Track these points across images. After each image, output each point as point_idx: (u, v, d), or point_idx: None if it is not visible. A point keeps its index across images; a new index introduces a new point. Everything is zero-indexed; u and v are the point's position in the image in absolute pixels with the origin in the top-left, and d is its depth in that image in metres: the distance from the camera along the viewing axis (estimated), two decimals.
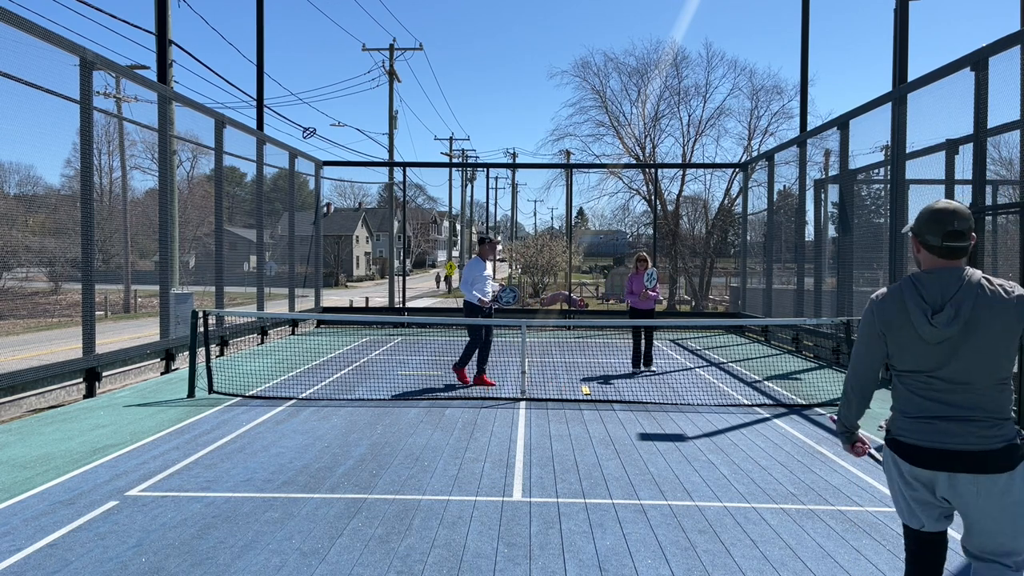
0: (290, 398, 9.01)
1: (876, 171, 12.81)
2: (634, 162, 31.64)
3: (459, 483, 5.66)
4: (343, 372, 11.17)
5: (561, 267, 35.95)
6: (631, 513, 5.03)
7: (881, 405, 8.95)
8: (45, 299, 25.71)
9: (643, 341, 11.31)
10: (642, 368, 11.30)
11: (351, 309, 23.18)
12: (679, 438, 7.18)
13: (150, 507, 5.06)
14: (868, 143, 12.34)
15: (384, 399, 8.99)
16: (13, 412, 8.19)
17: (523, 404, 8.75)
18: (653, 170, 28.75)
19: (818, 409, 8.66)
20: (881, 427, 3.14)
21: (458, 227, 72.32)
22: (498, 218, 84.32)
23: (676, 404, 8.86)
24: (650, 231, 28.73)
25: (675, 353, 13.98)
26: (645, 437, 7.20)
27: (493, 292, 10.37)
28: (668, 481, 5.77)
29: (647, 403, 8.91)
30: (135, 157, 28.28)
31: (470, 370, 10.24)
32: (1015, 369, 7.41)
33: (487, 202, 39.51)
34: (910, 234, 2.84)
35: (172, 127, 13.04)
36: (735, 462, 6.34)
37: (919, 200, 10.91)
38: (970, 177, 8.87)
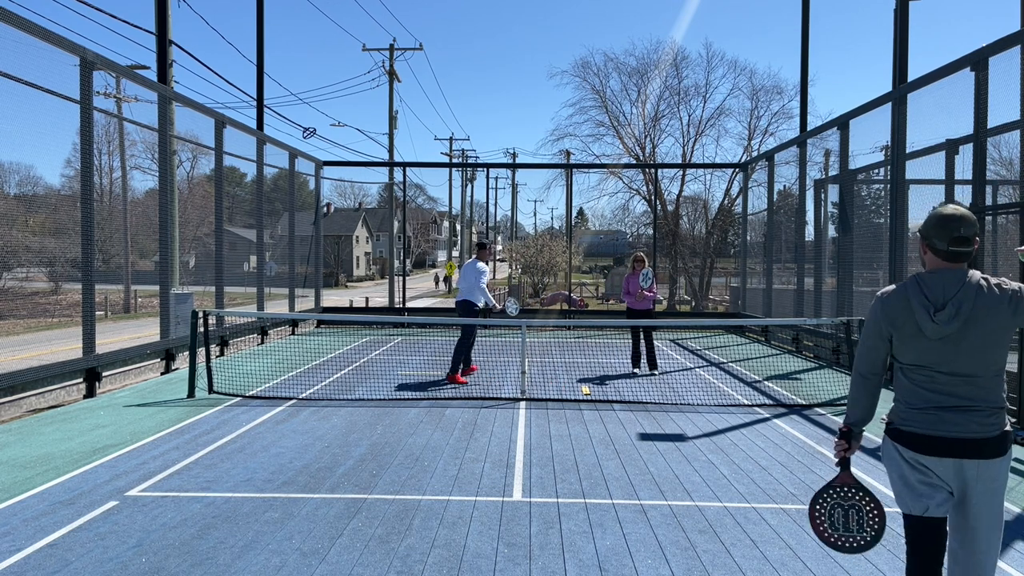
0: (290, 398, 9.01)
1: (876, 171, 12.81)
2: (634, 162, 31.65)
3: (459, 483, 5.66)
4: (343, 372, 11.17)
5: (561, 267, 35.98)
6: (631, 513, 5.03)
7: (881, 405, 8.97)
8: (45, 299, 25.71)
9: (642, 342, 11.30)
10: (646, 371, 11.27)
11: (351, 309, 23.18)
12: (679, 438, 7.18)
13: (150, 507, 5.06)
14: (868, 143, 12.35)
15: (384, 399, 8.99)
16: (13, 412, 8.19)
17: (523, 404, 8.75)
18: (653, 170, 28.76)
19: (818, 409, 8.66)
20: (883, 420, 3.18)
21: (458, 227, 72.31)
22: (498, 218, 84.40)
23: (676, 404, 8.86)
24: (650, 231, 28.74)
25: (675, 353, 13.98)
26: (645, 437, 7.20)
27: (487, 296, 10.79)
28: (668, 481, 5.77)
29: (647, 403, 8.91)
30: (135, 157, 28.31)
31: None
32: (1015, 368, 7.45)
33: (487, 202, 39.54)
34: (918, 235, 2.98)
35: (172, 127, 13.04)
36: (735, 462, 6.34)
37: (919, 200, 10.92)
38: (970, 177, 8.87)
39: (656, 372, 11.23)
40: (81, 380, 9.26)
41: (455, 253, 79.54)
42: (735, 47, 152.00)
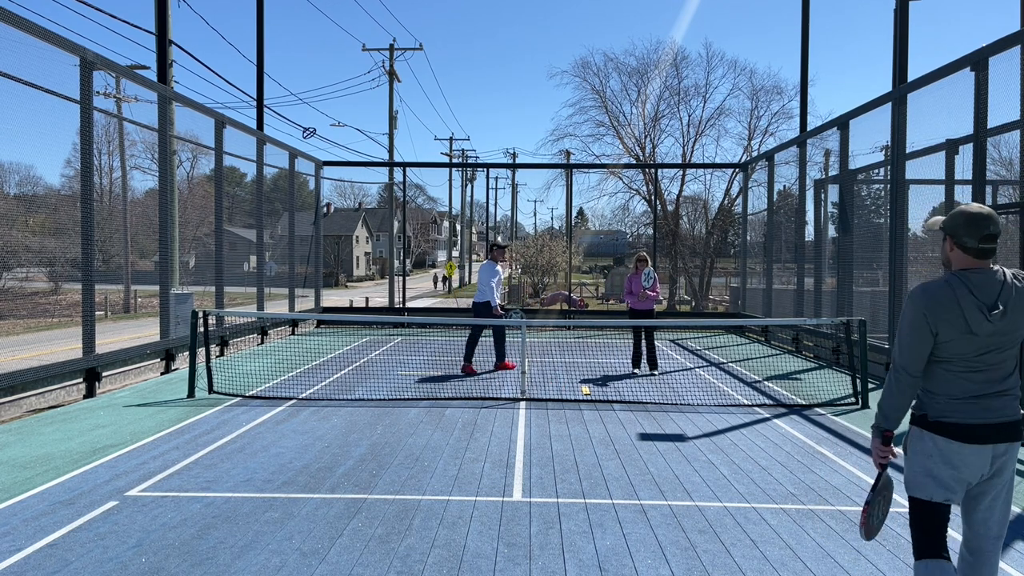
0: (290, 398, 9.01)
1: (876, 171, 12.80)
2: (634, 162, 31.64)
3: (459, 483, 5.66)
4: (343, 372, 11.17)
5: (561, 267, 35.96)
6: (631, 513, 5.03)
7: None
8: (45, 299, 25.72)
9: (643, 342, 11.30)
10: (646, 371, 11.27)
11: (351, 309, 23.17)
12: (679, 438, 7.18)
13: (150, 507, 5.06)
14: (868, 143, 12.35)
15: (384, 399, 8.99)
16: (13, 412, 8.19)
17: (523, 404, 8.75)
18: (653, 170, 28.75)
19: (818, 409, 8.66)
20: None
21: (458, 227, 72.31)
22: (498, 218, 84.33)
23: (676, 404, 8.86)
24: (650, 231, 28.73)
25: (675, 353, 13.98)
26: (645, 437, 7.20)
27: (499, 295, 11.48)
28: (668, 481, 5.77)
29: (647, 403, 8.91)
30: (135, 157, 28.32)
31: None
32: None
33: (487, 202, 39.54)
34: (943, 233, 3.05)
35: (172, 127, 13.04)
36: (735, 462, 6.34)
37: (919, 200, 10.92)
38: (970, 177, 8.87)
39: (656, 372, 11.23)
40: (81, 380, 9.26)
41: (455, 253, 79.53)
42: (735, 47, 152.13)
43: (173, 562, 4.17)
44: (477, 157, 65.86)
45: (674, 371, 11.66)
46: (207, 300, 13.82)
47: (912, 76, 10.54)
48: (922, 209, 11.04)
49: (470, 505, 5.17)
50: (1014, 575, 4.10)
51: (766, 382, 10.64)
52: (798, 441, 7.13)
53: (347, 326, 18.41)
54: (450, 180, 67.52)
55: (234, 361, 12.21)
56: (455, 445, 6.81)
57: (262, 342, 14.85)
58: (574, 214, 33.03)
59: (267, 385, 9.93)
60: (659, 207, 28.99)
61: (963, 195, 9.50)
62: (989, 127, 8.65)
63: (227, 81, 42.52)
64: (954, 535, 3.48)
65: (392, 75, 35.78)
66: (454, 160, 62.22)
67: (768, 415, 8.32)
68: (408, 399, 9.01)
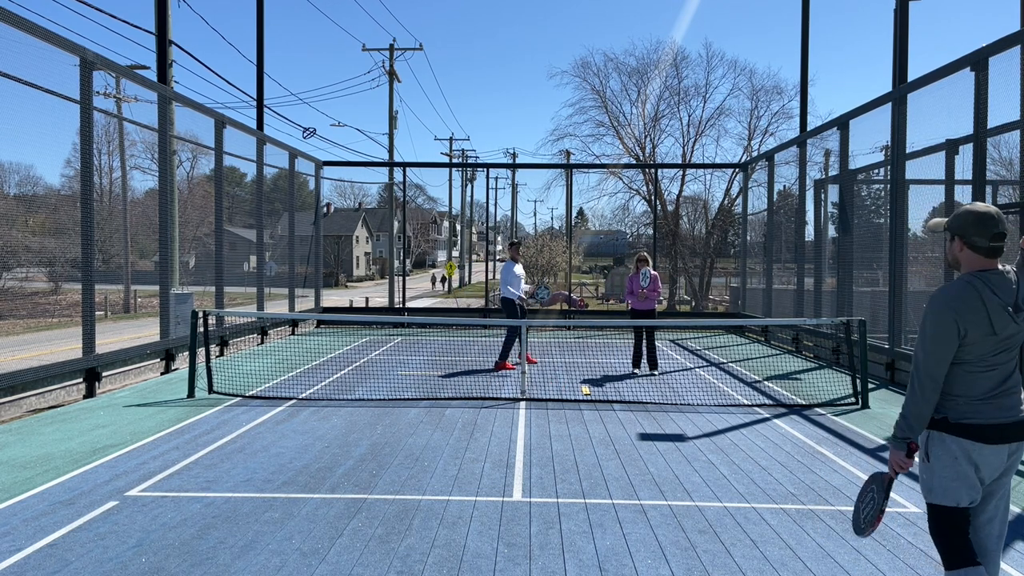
0: (290, 398, 9.01)
1: (876, 171, 12.81)
2: (634, 162, 31.65)
3: (459, 483, 5.66)
4: (343, 372, 11.17)
5: (561, 267, 35.95)
6: (631, 513, 5.03)
7: (881, 405, 8.98)
8: (45, 299, 25.72)
9: (643, 342, 11.30)
10: (646, 371, 11.27)
11: (351, 309, 23.18)
12: (679, 438, 7.18)
13: (150, 507, 5.06)
14: (868, 143, 12.35)
15: (384, 399, 8.99)
16: (13, 412, 8.19)
17: (523, 404, 8.75)
18: (653, 170, 28.76)
19: (818, 409, 8.66)
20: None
21: (458, 227, 72.29)
22: (498, 218, 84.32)
23: (676, 404, 8.86)
24: (650, 231, 28.74)
25: (675, 353, 13.98)
26: (645, 437, 7.20)
27: (527, 291, 12.18)
28: (668, 481, 5.77)
29: (647, 403, 8.91)
30: (135, 157, 28.29)
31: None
32: None
33: (487, 202, 39.49)
34: (949, 234, 3.02)
35: (172, 127, 13.03)
36: (735, 462, 6.34)
37: (919, 200, 10.92)
38: (970, 177, 8.87)
39: (656, 372, 11.23)
40: (81, 380, 9.26)
41: (455, 253, 79.50)
42: (735, 47, 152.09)
43: (173, 562, 4.17)
44: (477, 157, 65.86)
45: (674, 371, 11.65)
46: (207, 300, 13.82)
47: (912, 76, 10.54)
48: (922, 209, 11.05)
49: (470, 505, 5.17)
50: (1014, 575, 4.10)
51: (766, 382, 10.64)
52: (798, 441, 7.12)
53: (347, 326, 18.41)
54: (450, 180, 67.50)
55: (234, 361, 12.21)
56: (455, 445, 6.81)
57: (262, 342, 14.85)
58: (574, 214, 33.03)
59: (267, 385, 9.93)
60: (659, 207, 28.99)
61: (963, 195, 9.50)
62: (989, 127, 8.66)
63: (227, 81, 42.56)
64: None
65: (392, 75, 35.78)
66: (454, 160, 62.21)
67: (768, 415, 8.32)
68: (408, 399, 9.01)
